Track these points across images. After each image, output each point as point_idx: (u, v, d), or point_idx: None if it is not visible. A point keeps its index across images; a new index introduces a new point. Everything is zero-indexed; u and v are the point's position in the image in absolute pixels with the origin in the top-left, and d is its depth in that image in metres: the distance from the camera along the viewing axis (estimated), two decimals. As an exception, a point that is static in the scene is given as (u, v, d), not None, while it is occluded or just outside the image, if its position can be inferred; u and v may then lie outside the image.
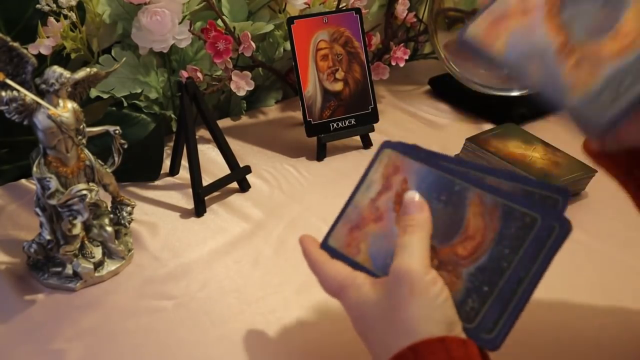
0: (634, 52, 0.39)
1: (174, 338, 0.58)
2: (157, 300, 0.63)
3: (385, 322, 0.42)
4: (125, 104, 0.84)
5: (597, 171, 0.79)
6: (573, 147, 0.85)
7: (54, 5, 0.75)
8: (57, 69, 0.58)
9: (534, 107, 1.04)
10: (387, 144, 0.49)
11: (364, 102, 0.91)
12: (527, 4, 0.45)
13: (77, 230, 0.64)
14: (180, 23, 0.83)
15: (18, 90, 0.56)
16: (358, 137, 0.93)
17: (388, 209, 0.47)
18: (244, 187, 0.82)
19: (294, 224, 0.75)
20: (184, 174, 0.84)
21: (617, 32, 0.40)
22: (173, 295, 0.63)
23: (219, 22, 0.88)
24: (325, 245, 0.50)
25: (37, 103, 0.57)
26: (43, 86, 0.58)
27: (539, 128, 0.98)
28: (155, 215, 0.76)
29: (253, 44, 0.88)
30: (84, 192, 0.60)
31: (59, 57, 0.79)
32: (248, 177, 0.82)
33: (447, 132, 0.99)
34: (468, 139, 0.86)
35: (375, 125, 0.92)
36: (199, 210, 0.76)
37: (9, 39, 0.56)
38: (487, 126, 0.97)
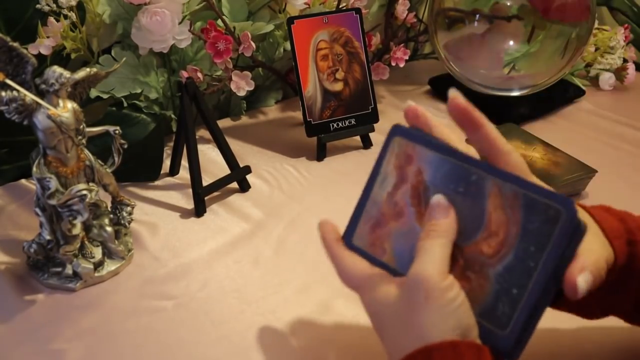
0: (510, 254, 0.40)
1: (174, 338, 0.58)
2: (157, 300, 0.63)
3: (399, 324, 0.42)
4: (125, 104, 0.84)
5: (597, 171, 0.79)
6: (573, 147, 0.85)
7: (54, 5, 0.75)
8: (57, 69, 0.58)
9: (534, 107, 1.04)
10: (397, 131, 0.46)
11: (364, 102, 0.91)
12: (397, 207, 0.45)
13: (77, 230, 0.64)
14: (180, 23, 0.83)
15: (18, 90, 0.56)
16: (358, 137, 0.93)
17: (406, 204, 0.45)
18: (244, 187, 0.82)
19: (294, 224, 0.75)
20: (184, 174, 0.84)
21: (488, 230, 0.41)
22: (173, 295, 0.63)
23: (219, 22, 0.88)
24: (350, 245, 0.48)
25: (37, 103, 0.57)
26: (43, 86, 0.58)
27: (539, 128, 0.98)
28: (155, 215, 0.76)
29: (253, 44, 0.88)
30: (84, 192, 0.60)
31: (59, 57, 0.79)
32: (248, 177, 0.82)
33: (447, 132, 0.99)
34: (468, 139, 0.85)
35: (375, 125, 0.92)
36: (199, 210, 0.76)
37: (9, 39, 0.56)
38: (487, 126, 0.97)
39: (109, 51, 0.86)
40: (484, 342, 0.40)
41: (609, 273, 0.44)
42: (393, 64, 1.04)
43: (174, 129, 0.91)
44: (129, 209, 0.69)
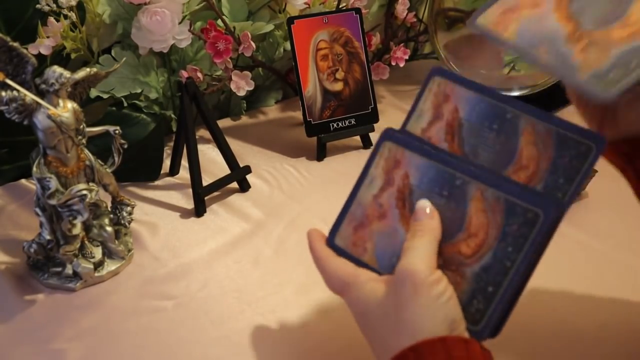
0: (488, 255, 0.41)
1: (174, 338, 0.58)
2: (157, 300, 0.62)
3: (387, 322, 0.42)
4: (125, 104, 0.84)
5: (597, 171, 0.79)
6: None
7: (54, 5, 0.75)
8: (57, 69, 0.58)
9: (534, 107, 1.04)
10: (387, 135, 0.48)
11: (364, 102, 0.91)
12: (382, 208, 0.47)
13: (77, 230, 0.64)
14: (180, 23, 0.84)
15: (18, 90, 0.56)
16: (358, 137, 0.93)
17: (391, 206, 0.46)
18: (244, 187, 0.82)
19: (294, 224, 0.75)
20: (184, 174, 0.84)
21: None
22: (173, 295, 0.63)
23: (219, 22, 0.88)
24: (332, 244, 0.49)
25: (37, 103, 0.57)
26: (43, 86, 0.58)
27: (539, 128, 0.98)
28: (155, 215, 0.76)
29: (253, 44, 0.88)
30: (84, 192, 0.60)
31: (59, 57, 0.79)
32: (248, 177, 0.82)
33: (447, 132, 0.99)
34: None
35: (375, 125, 0.92)
36: (199, 210, 0.76)
37: (9, 39, 0.56)
38: (487, 126, 0.97)
39: (109, 51, 0.86)
40: None
41: None
42: (393, 63, 1.04)
43: (174, 129, 0.91)
44: (129, 209, 0.69)
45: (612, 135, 0.47)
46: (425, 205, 0.44)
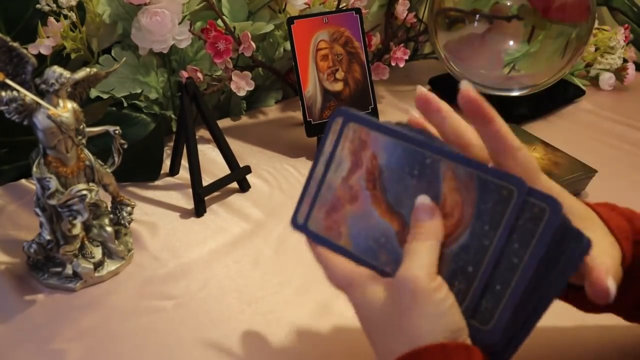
0: (464, 237, 0.41)
1: (174, 338, 0.58)
2: (157, 300, 0.63)
3: (388, 327, 0.42)
4: (125, 104, 0.84)
5: (597, 171, 0.79)
6: (573, 147, 0.85)
7: (54, 5, 0.75)
8: (57, 69, 0.58)
9: (534, 107, 1.04)
10: (344, 115, 0.47)
11: (364, 102, 0.91)
12: (352, 190, 0.45)
13: (77, 230, 0.64)
14: (180, 23, 0.84)
15: (18, 90, 0.56)
16: (358, 137, 0.93)
17: (361, 188, 0.45)
18: (244, 187, 0.82)
19: (294, 224, 0.75)
20: (184, 174, 0.84)
21: (442, 211, 0.41)
22: (173, 295, 0.63)
23: (219, 22, 0.88)
24: (304, 229, 0.48)
25: (37, 103, 0.57)
26: (43, 86, 0.58)
27: (539, 128, 0.98)
28: (155, 215, 0.76)
29: (253, 44, 0.88)
30: (84, 192, 0.60)
31: (59, 57, 0.79)
32: (248, 177, 0.82)
33: (447, 132, 0.99)
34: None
35: (375, 125, 0.92)
36: (199, 210, 0.76)
37: (9, 39, 0.56)
38: (487, 126, 0.97)
39: (109, 51, 0.86)
40: None
41: None
42: (393, 64, 1.04)
43: (174, 129, 0.91)
44: (129, 209, 0.69)
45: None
46: (424, 202, 0.43)
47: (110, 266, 0.66)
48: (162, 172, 0.84)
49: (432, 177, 0.42)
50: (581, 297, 0.44)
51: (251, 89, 0.91)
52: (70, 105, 0.59)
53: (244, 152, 0.91)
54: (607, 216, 0.45)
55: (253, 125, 1.01)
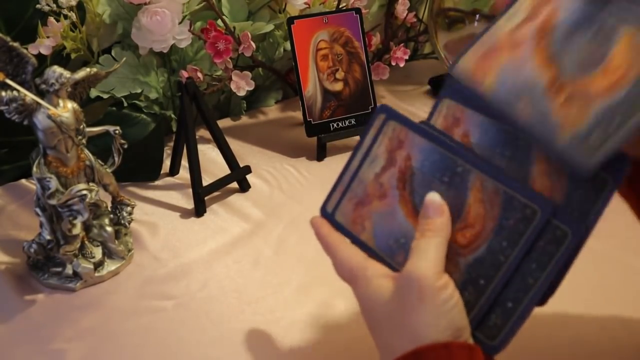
0: (623, 89, 0.38)
1: (174, 338, 0.58)
2: (157, 300, 0.63)
3: (391, 323, 0.42)
4: (125, 104, 0.84)
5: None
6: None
7: (54, 5, 0.75)
8: (57, 69, 0.58)
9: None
10: (387, 112, 0.47)
11: (364, 102, 0.91)
12: (517, 36, 0.44)
13: (77, 230, 0.64)
14: (180, 23, 0.84)
15: (18, 90, 0.56)
16: (358, 137, 0.93)
17: (391, 186, 0.46)
18: (244, 187, 0.82)
19: (294, 224, 0.75)
20: (184, 174, 0.84)
21: (606, 67, 0.39)
22: (173, 295, 0.63)
23: (219, 22, 0.88)
24: (328, 216, 0.48)
25: (37, 103, 0.57)
26: (43, 86, 0.58)
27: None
28: (155, 215, 0.76)
29: (253, 44, 0.88)
30: (84, 192, 0.60)
31: (59, 57, 0.79)
32: (248, 177, 0.82)
33: (447, 132, 0.99)
34: None
35: (375, 125, 0.92)
36: (199, 210, 0.76)
37: (9, 39, 0.56)
38: (487, 126, 0.97)
39: (109, 51, 0.86)
40: None
41: None
42: (393, 63, 1.04)
43: (174, 129, 0.91)
44: (129, 209, 0.69)
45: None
46: (434, 200, 0.43)
47: (110, 266, 0.66)
48: (162, 172, 0.84)
49: (460, 185, 0.43)
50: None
51: (251, 89, 0.91)
52: (71, 105, 0.59)
53: (244, 152, 0.91)
54: None
55: (253, 125, 1.01)
